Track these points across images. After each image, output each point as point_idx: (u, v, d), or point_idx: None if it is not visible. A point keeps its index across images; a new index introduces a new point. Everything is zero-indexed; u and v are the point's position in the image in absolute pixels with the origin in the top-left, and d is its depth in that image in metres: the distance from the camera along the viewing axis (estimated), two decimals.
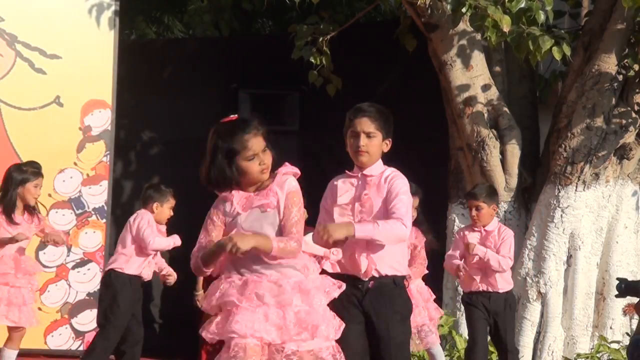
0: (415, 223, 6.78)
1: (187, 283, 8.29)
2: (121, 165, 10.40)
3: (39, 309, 8.53)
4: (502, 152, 8.99)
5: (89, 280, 9.16)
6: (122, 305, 7.42)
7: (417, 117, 9.61)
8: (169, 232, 7.71)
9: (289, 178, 4.46)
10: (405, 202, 4.88)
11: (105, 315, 7.47)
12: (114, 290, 7.44)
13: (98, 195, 9.23)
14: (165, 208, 7.61)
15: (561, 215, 8.76)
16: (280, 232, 4.41)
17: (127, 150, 10.49)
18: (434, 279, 8.13)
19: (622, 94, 8.88)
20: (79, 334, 9.15)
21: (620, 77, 8.81)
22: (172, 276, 7.71)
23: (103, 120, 9.26)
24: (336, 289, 4.56)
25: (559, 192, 8.79)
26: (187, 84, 10.46)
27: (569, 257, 8.82)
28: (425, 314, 7.51)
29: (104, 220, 9.24)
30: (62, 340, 9.14)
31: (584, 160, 8.76)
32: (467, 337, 7.46)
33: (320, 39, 9.32)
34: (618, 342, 8.74)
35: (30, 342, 7.66)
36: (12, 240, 7.18)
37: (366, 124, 4.96)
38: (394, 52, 9.79)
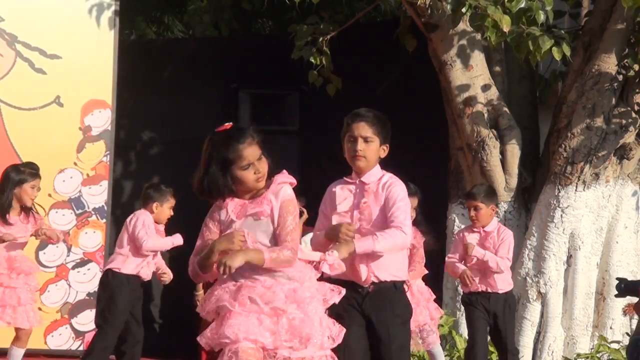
0: (414, 223, 6.78)
1: (187, 283, 8.24)
2: (121, 165, 10.40)
3: (39, 309, 8.53)
4: (502, 152, 8.99)
5: (89, 280, 9.16)
6: (119, 305, 7.43)
7: (417, 117, 9.61)
8: (169, 232, 7.71)
9: (284, 186, 4.44)
10: (404, 209, 4.90)
11: (102, 316, 7.49)
12: (111, 290, 7.46)
13: (98, 195, 9.23)
14: (165, 208, 7.61)
15: (561, 215, 8.76)
16: (275, 240, 4.41)
17: (127, 150, 10.49)
18: (434, 279, 8.14)
19: (622, 94, 8.88)
20: (79, 334, 9.16)
21: (620, 77, 8.81)
22: (167, 274, 7.72)
23: (103, 120, 9.26)
24: (335, 295, 4.56)
25: (559, 192, 8.79)
26: (187, 84, 10.46)
27: (569, 257, 8.82)
28: (427, 314, 7.51)
29: (104, 220, 9.24)
30: (62, 340, 9.14)
31: (584, 160, 8.76)
32: (467, 337, 7.46)
33: (320, 39, 9.32)
34: (618, 342, 8.74)
35: (30, 342, 7.65)
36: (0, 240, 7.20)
37: (364, 129, 4.96)
38: (394, 52, 9.79)
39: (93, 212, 9.22)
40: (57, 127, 9.15)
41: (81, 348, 9.00)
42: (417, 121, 9.60)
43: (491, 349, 7.75)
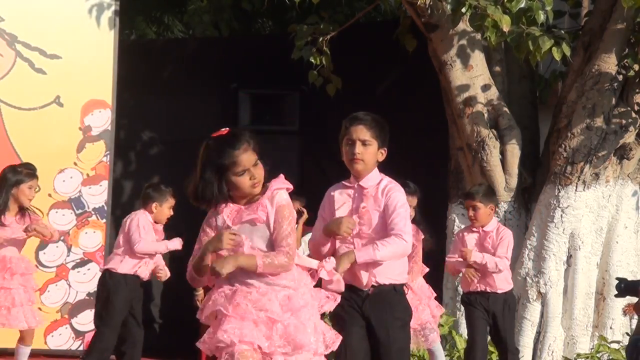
0: (413, 222, 6.79)
1: (187, 283, 8.27)
2: (121, 165, 10.40)
3: (39, 309, 8.52)
4: (502, 152, 8.99)
5: (89, 280, 9.16)
6: (116, 305, 7.43)
7: (417, 117, 9.61)
8: (169, 232, 7.71)
9: (279, 192, 4.42)
10: (404, 216, 4.92)
11: (100, 316, 7.51)
12: (108, 290, 7.48)
13: (98, 195, 9.23)
14: (165, 208, 7.61)
15: (561, 215, 8.76)
16: (272, 245, 4.40)
17: (127, 150, 10.50)
18: (434, 278, 8.13)
19: (622, 94, 8.88)
20: (79, 334, 9.16)
21: (620, 77, 8.81)
22: (163, 271, 7.72)
23: (103, 120, 9.26)
24: (331, 302, 4.55)
25: (559, 192, 8.79)
26: (187, 84, 10.46)
27: (569, 257, 8.81)
28: (428, 312, 7.52)
29: (104, 220, 9.24)
30: (62, 340, 9.14)
31: (584, 160, 8.76)
32: (467, 337, 7.46)
33: (320, 39, 9.31)
34: (618, 342, 8.74)
35: None
36: None
37: (362, 132, 4.97)
38: (394, 52, 9.78)
39: (93, 212, 9.22)
40: (57, 127, 9.16)
41: (81, 348, 9.00)
42: (417, 121, 9.60)
43: (491, 348, 7.75)
